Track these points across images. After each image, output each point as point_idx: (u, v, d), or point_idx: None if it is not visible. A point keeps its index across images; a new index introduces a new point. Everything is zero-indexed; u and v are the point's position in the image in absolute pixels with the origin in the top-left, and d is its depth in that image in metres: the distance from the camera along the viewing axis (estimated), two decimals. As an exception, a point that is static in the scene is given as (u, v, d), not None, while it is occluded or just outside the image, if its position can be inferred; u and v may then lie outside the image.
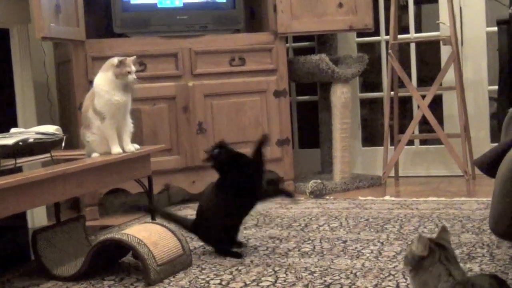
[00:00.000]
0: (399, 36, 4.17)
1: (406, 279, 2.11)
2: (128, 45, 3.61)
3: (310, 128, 4.61)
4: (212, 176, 3.72)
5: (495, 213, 1.95)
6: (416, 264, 1.55)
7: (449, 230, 1.58)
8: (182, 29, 3.76)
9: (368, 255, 2.47)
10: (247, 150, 3.81)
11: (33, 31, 3.12)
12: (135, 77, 2.70)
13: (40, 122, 3.35)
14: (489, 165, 2.07)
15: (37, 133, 2.65)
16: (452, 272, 1.50)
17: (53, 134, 2.70)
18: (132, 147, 2.77)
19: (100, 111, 2.67)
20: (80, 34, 3.45)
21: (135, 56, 2.78)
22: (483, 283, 1.50)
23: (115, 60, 2.68)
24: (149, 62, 3.65)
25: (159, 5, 3.75)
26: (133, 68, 2.69)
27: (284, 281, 2.21)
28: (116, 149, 2.70)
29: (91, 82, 2.83)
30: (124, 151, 2.72)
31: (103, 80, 2.68)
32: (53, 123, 3.50)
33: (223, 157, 2.62)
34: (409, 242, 1.51)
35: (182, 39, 3.73)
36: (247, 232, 2.93)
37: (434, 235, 1.60)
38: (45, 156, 2.74)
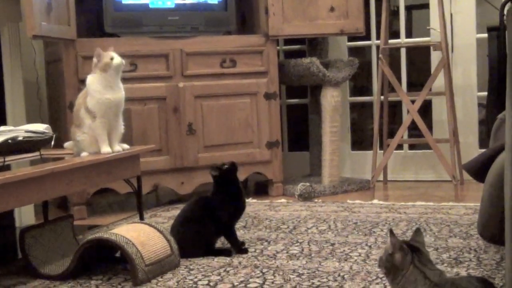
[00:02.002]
0: (390, 41, 4.18)
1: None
2: (119, 45, 3.59)
3: (300, 131, 4.62)
4: (201, 178, 3.74)
5: (483, 218, 1.97)
6: (390, 266, 1.54)
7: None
8: (174, 30, 3.76)
9: (356, 258, 2.47)
10: (237, 152, 3.83)
11: (24, 30, 3.11)
12: (122, 60, 2.71)
13: (30, 121, 3.34)
14: (478, 170, 2.08)
15: (27, 131, 2.64)
16: (427, 274, 1.49)
17: (43, 132, 2.69)
18: (119, 148, 2.77)
19: (92, 110, 2.67)
20: (71, 33, 3.45)
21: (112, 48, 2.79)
22: (468, 285, 1.50)
23: (94, 58, 2.71)
24: (140, 63, 3.65)
25: (150, 6, 3.75)
26: (114, 54, 2.71)
27: (272, 283, 2.22)
28: (105, 149, 2.70)
29: (81, 81, 2.84)
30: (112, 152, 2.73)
31: (94, 79, 2.70)
32: (43, 122, 3.49)
33: (228, 174, 2.64)
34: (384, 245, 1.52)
35: (173, 40, 3.73)
36: (236, 233, 2.93)
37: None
38: (34, 155, 2.73)
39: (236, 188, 2.65)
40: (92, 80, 2.70)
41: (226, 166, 2.63)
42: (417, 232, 1.60)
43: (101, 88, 2.67)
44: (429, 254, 1.57)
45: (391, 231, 1.55)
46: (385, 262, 1.54)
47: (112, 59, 2.69)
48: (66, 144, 2.89)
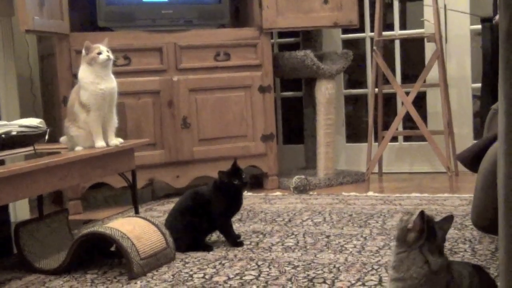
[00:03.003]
0: (384, 33, 4.18)
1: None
2: (112, 39, 3.57)
3: (295, 124, 4.62)
4: (196, 172, 3.74)
5: (477, 207, 1.97)
6: (401, 236, 1.56)
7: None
8: (167, 23, 3.75)
9: (351, 249, 2.48)
10: (232, 145, 3.83)
11: (17, 24, 3.10)
12: (109, 55, 2.70)
13: (24, 115, 3.33)
14: (472, 159, 2.09)
15: (20, 126, 2.64)
16: (429, 260, 1.52)
17: (37, 127, 2.69)
18: (116, 142, 2.76)
19: (86, 104, 2.67)
20: (64, 27, 3.43)
21: (106, 39, 2.79)
22: (463, 270, 1.52)
23: (83, 50, 2.70)
24: (134, 56, 3.64)
25: (144, -1, 3.74)
26: (103, 48, 2.69)
27: (268, 275, 2.22)
28: (100, 143, 2.69)
29: (75, 76, 2.83)
30: (108, 145, 2.72)
31: (84, 73, 2.70)
32: (37, 116, 3.48)
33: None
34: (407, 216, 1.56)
35: (167, 34, 3.72)
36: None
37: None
38: (28, 149, 2.73)
39: (240, 188, 2.65)
40: (83, 73, 2.70)
41: (244, 175, 2.62)
42: (448, 218, 1.60)
43: (93, 79, 2.67)
44: (444, 243, 1.58)
45: (422, 212, 1.52)
46: (400, 230, 1.56)
47: (99, 53, 2.68)
48: (62, 139, 2.89)
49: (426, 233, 1.53)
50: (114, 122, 2.80)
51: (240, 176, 2.62)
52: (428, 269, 1.51)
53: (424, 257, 1.52)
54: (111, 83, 2.73)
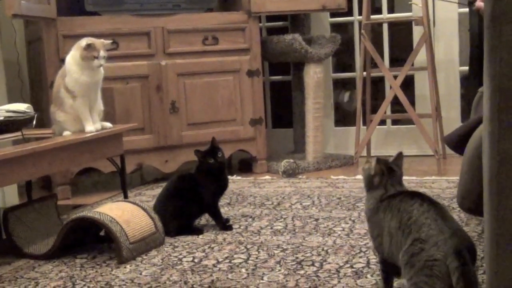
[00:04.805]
0: (372, 17, 4.18)
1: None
2: (100, 24, 3.58)
3: (283, 108, 4.62)
4: (185, 156, 3.75)
5: (462, 189, 1.99)
6: (368, 183, 1.79)
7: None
8: (155, 7, 3.73)
9: (339, 232, 2.49)
10: (220, 130, 3.84)
11: (3, 9, 3.08)
12: (102, 63, 2.68)
13: (11, 101, 3.32)
14: (458, 142, 2.10)
15: (8, 111, 2.63)
16: (386, 192, 1.74)
17: (24, 112, 2.68)
18: (99, 125, 2.75)
19: (71, 90, 2.66)
20: (51, 11, 3.41)
21: (110, 41, 2.77)
22: (412, 198, 1.68)
23: (83, 42, 2.66)
24: (122, 41, 3.63)
25: (131, -17, 3.72)
26: (102, 54, 2.66)
27: (256, 258, 2.23)
28: (89, 127, 2.69)
29: (62, 60, 2.81)
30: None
31: (72, 60, 2.68)
32: (24, 102, 3.46)
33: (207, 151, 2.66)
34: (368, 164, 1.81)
35: (154, 18, 3.71)
36: (221, 210, 2.94)
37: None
38: (16, 135, 2.72)
39: (217, 166, 2.66)
40: (73, 64, 2.67)
41: (220, 154, 2.64)
42: (399, 155, 1.82)
43: (78, 69, 2.65)
44: (402, 175, 1.81)
45: (378, 159, 1.77)
46: (366, 178, 1.80)
47: (96, 57, 2.65)
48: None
49: (386, 172, 1.75)
50: (99, 106, 2.79)
51: (215, 155, 2.63)
52: (379, 198, 1.75)
53: (385, 190, 1.75)
54: (97, 75, 2.72)
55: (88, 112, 2.70)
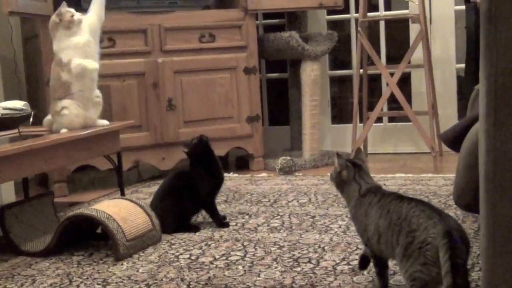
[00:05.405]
0: (369, 14, 4.19)
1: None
2: (96, 21, 3.57)
3: (280, 105, 4.62)
4: (182, 154, 3.74)
5: (458, 186, 1.99)
6: (339, 181, 1.83)
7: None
8: (152, 5, 3.73)
9: (336, 229, 2.50)
10: (217, 127, 3.84)
11: (0, 6, 3.07)
12: (80, 18, 2.73)
13: (8, 98, 3.31)
14: (454, 139, 2.11)
15: (5, 108, 2.63)
16: (361, 186, 1.79)
17: (21, 109, 2.68)
18: (98, 120, 2.79)
19: (68, 80, 2.68)
20: (48, 8, 3.40)
21: (63, 2, 2.80)
22: (401, 201, 1.70)
23: (54, 17, 2.72)
24: (118, 38, 3.62)
25: (128, -20, 3.72)
26: (72, 11, 2.72)
27: (253, 255, 2.24)
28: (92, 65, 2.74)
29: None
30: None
31: (66, 48, 2.71)
32: (21, 99, 3.46)
33: (200, 148, 2.66)
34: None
35: (151, 15, 3.71)
36: (217, 208, 2.94)
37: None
38: (13, 132, 2.72)
39: (212, 161, 2.66)
40: (64, 49, 2.71)
41: (194, 141, 2.64)
42: (358, 151, 1.89)
43: (67, 36, 2.70)
44: (368, 169, 1.86)
45: (338, 154, 1.84)
46: (335, 178, 1.85)
47: (72, 15, 2.69)
48: (46, 119, 2.86)
49: (351, 164, 1.81)
50: (98, 99, 2.82)
51: (190, 142, 2.66)
52: (358, 194, 1.79)
53: (358, 183, 1.80)
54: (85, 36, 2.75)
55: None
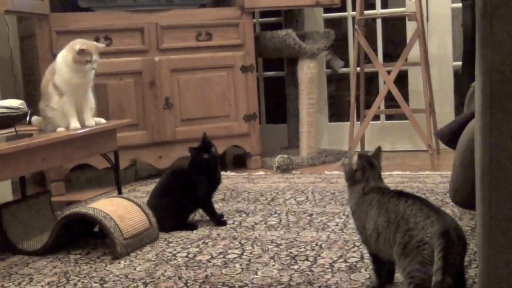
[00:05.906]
0: (366, 12, 4.19)
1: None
2: (93, 20, 3.58)
3: (277, 104, 4.62)
4: (179, 152, 3.74)
5: (455, 183, 1.99)
6: (350, 177, 1.83)
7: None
8: (148, 3, 3.73)
9: (333, 227, 2.50)
10: (214, 125, 3.83)
11: (-4, 5, 3.07)
12: (94, 66, 2.67)
13: (4, 97, 3.31)
14: (450, 136, 2.11)
15: (1, 107, 2.63)
16: (367, 184, 1.80)
17: (17, 108, 2.68)
18: (92, 121, 2.75)
19: (60, 87, 2.65)
20: (45, 7, 3.41)
21: (103, 45, 2.76)
22: (398, 198, 1.71)
23: (77, 46, 2.62)
24: (115, 37, 3.62)
25: (124, -21, 3.71)
26: (94, 58, 2.65)
27: (251, 253, 2.24)
28: (74, 124, 2.67)
29: (55, 56, 2.80)
30: (85, 126, 2.71)
31: (64, 60, 2.65)
32: (17, 98, 3.46)
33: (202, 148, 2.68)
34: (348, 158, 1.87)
35: (148, 14, 3.70)
36: (215, 206, 2.94)
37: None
38: (10, 131, 2.72)
39: (212, 161, 2.66)
40: (62, 59, 2.66)
41: (213, 149, 2.65)
42: (378, 150, 1.89)
43: (68, 70, 2.63)
44: (381, 170, 1.87)
45: (360, 154, 1.84)
46: (347, 173, 1.84)
47: (88, 62, 2.63)
48: (34, 119, 2.84)
49: (368, 167, 1.81)
50: (91, 103, 2.77)
51: (209, 149, 2.65)
52: (362, 191, 1.80)
53: (365, 182, 1.80)
54: (89, 76, 2.70)
55: (74, 110, 2.68)
